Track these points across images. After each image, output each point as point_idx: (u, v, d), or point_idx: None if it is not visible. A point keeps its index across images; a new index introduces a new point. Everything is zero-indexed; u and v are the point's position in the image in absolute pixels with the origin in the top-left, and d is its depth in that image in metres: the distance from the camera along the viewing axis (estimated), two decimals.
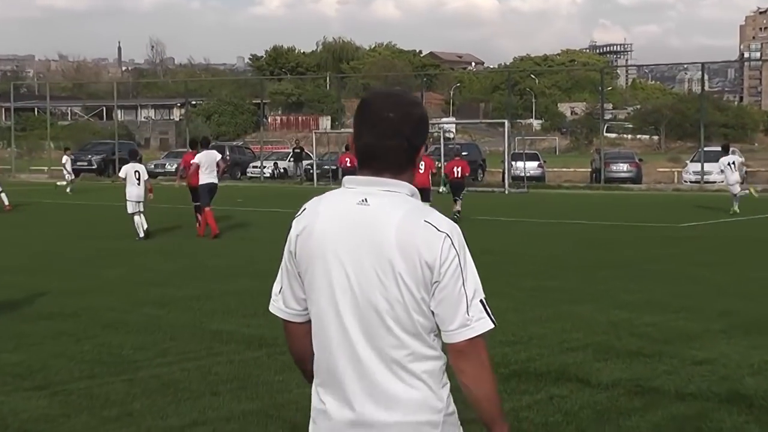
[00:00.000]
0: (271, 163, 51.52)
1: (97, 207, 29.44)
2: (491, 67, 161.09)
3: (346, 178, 2.84)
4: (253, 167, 51.13)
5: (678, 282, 13.18)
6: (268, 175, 50.10)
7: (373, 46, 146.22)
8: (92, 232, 20.65)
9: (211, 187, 20.02)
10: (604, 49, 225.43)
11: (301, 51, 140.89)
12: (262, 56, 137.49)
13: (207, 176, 19.96)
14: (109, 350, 8.80)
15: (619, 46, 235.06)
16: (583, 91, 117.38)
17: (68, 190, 37.00)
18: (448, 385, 2.77)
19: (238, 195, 34.76)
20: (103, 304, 11.38)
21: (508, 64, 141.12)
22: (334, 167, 44.98)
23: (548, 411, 6.68)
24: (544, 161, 47.96)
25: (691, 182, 41.79)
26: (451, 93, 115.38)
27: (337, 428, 2.75)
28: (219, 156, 20.46)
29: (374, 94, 2.90)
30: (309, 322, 2.89)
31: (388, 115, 2.77)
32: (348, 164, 33.36)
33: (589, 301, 11.34)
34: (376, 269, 2.69)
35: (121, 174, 19.86)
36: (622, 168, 44.04)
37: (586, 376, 7.65)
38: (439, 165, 33.80)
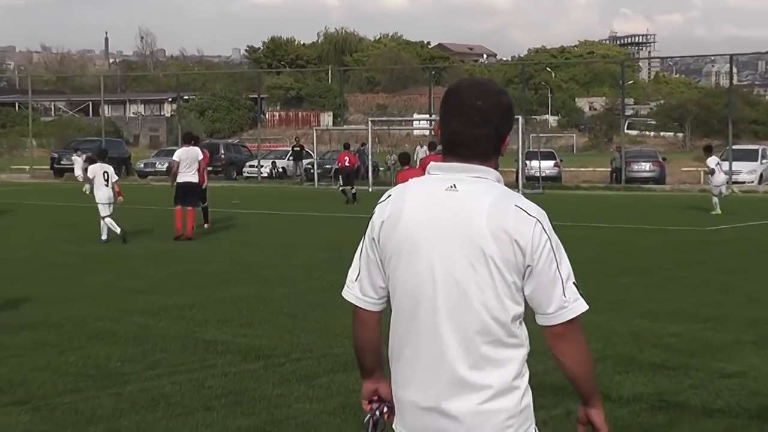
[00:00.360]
0: (269, 162, 51.58)
1: (82, 209, 29.38)
2: (504, 59, 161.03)
3: (431, 165, 3.05)
4: (250, 166, 51.19)
5: (705, 289, 13.16)
6: (265, 174, 50.16)
7: (377, 37, 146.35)
8: (77, 236, 20.66)
9: (186, 187, 20.11)
10: (625, 40, 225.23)
11: (301, 42, 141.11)
12: (259, 48, 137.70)
13: (184, 175, 20.07)
14: (95, 362, 8.80)
15: (641, 37, 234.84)
16: (602, 86, 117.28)
17: (84, 189, 36.80)
18: (527, 376, 3.03)
19: (234, 196, 34.77)
20: (89, 313, 11.38)
21: (522, 56, 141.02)
22: (337, 166, 45.06)
23: (566, 427, 6.66)
24: (561, 160, 47.95)
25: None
26: None
27: (416, 415, 2.98)
28: (200, 155, 20.42)
29: (461, 82, 3.09)
30: (381, 311, 3.13)
31: (476, 103, 2.98)
32: (347, 163, 33.41)
33: (608, 310, 11.32)
34: (467, 254, 2.89)
35: (90, 174, 19.94)
36: (644, 167, 44.02)
37: (605, 390, 7.63)
38: None
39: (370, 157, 43.10)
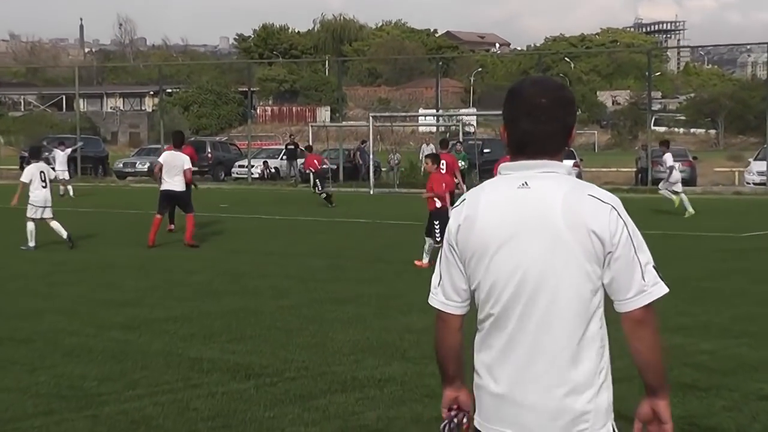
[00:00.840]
0: (261, 162, 51.57)
1: (56, 213, 29.39)
2: (518, 49, 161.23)
3: (502, 165, 3.44)
4: (240, 167, 51.18)
5: (741, 302, 13.14)
6: (256, 175, 50.15)
7: (379, 25, 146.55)
8: (49, 243, 20.65)
9: (168, 195, 20.31)
10: (652, 27, 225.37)
11: (296, 30, 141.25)
12: (249, 36, 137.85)
13: (167, 181, 20.22)
14: (68, 382, 8.80)
15: (669, 24, 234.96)
16: (626, 77, 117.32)
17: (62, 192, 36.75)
18: (606, 371, 3.34)
19: (222, 199, 34.77)
20: (62, 328, 11.38)
21: (538, 45, 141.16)
22: (334, 166, 45.06)
23: None
24: (581, 160, 47.86)
25: (754, 184, 41.69)
26: (472, 80, 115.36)
27: (502, 407, 3.31)
28: (187, 164, 20.39)
29: (522, 83, 3.45)
30: (464, 315, 3.50)
31: (540, 101, 3.33)
32: (318, 165, 33.64)
33: None
34: (545, 248, 3.22)
35: (24, 178, 19.94)
36: None
37: (630, 412, 7.60)
38: (464, 165, 33.81)
39: (371, 156, 43.10)
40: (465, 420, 3.54)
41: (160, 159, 20.68)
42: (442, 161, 18.51)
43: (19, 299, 13.57)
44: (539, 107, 3.31)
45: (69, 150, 39.09)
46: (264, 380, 8.77)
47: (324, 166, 35.28)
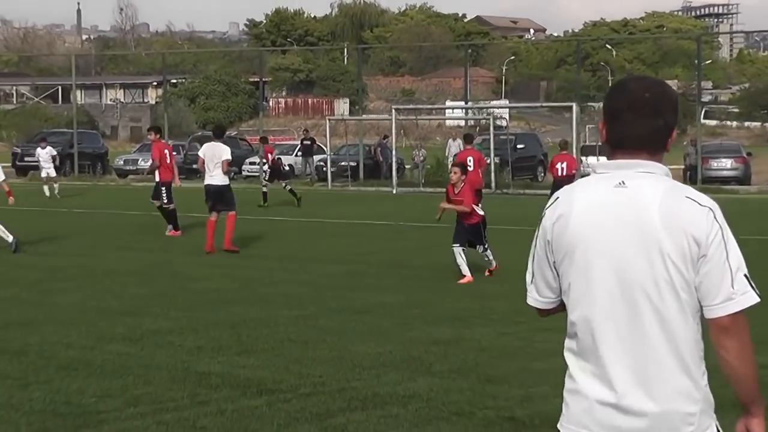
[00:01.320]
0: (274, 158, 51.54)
1: (49, 214, 29.58)
2: (555, 35, 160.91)
3: (597, 163, 3.72)
4: (251, 163, 51.07)
5: None
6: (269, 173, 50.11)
7: (403, 9, 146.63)
8: (44, 246, 20.73)
9: (210, 190, 20.28)
10: (702, 10, 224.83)
11: (311, 15, 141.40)
12: (261, 22, 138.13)
13: (208, 176, 20.28)
14: (65, 398, 8.82)
15: (721, 7, 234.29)
16: (674, 66, 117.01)
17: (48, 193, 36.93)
18: (707, 374, 3.51)
19: (282, 200, 34.74)
20: (58, 339, 11.41)
21: (576, 31, 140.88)
22: (353, 164, 45.04)
23: None
24: None
25: None
26: (504, 69, 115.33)
27: (595, 410, 3.47)
28: (226, 154, 20.34)
29: (625, 78, 3.70)
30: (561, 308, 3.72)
31: (644, 95, 3.53)
32: (272, 159, 33.77)
33: None
34: (641, 250, 3.41)
35: None
36: (725, 164, 43.82)
37: None
38: (487, 160, 33.77)
39: (394, 152, 43.04)
40: None
41: (200, 152, 20.75)
42: (469, 157, 18.46)
43: (10, 308, 13.59)
44: (642, 101, 3.51)
45: (50, 148, 39.15)
46: (277, 397, 8.77)
47: (277, 158, 35.60)
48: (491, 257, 16.42)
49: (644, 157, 3.54)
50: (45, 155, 37.79)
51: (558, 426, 3.64)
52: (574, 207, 3.53)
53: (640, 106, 3.51)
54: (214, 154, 20.29)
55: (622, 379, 3.44)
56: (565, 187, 3.69)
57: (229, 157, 20.42)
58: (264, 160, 35.81)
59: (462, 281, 15.79)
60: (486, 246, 16.33)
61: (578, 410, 3.54)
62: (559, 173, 25.79)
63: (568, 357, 3.61)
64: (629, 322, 3.43)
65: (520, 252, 19.57)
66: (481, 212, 16.49)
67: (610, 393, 3.45)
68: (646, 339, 3.42)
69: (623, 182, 3.48)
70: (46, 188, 36.37)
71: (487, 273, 16.55)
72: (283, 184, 33.19)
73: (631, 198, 3.45)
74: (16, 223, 20.04)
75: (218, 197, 20.33)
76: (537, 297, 3.74)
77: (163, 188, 23.07)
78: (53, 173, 37.45)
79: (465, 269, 15.91)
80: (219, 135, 21.07)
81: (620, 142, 3.57)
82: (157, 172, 23.20)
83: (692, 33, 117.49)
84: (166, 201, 22.98)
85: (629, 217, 3.43)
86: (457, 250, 15.99)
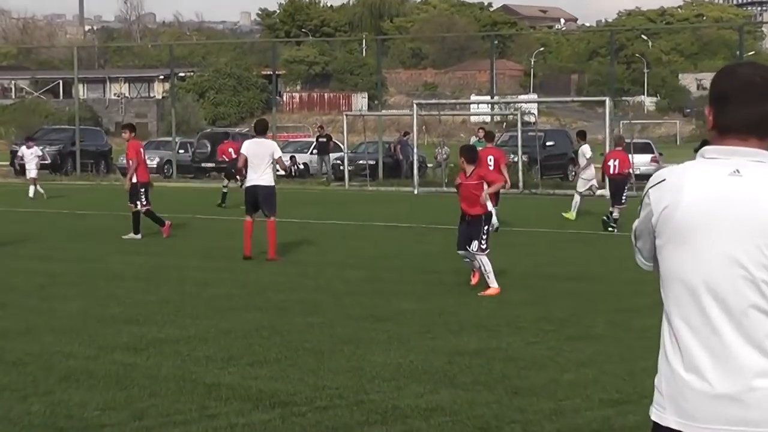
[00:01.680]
0: (287, 157, 51.60)
1: (50, 215, 29.63)
2: (587, 25, 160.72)
3: (706, 148, 3.72)
4: None
5: None
6: (282, 172, 50.20)
7: None
8: (44, 250, 20.78)
9: (254, 191, 19.68)
10: None
11: (328, 4, 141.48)
12: (274, 12, 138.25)
13: (253, 175, 19.61)
14: (66, 411, 8.84)
15: None
16: (714, 58, 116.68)
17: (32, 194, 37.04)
18: None
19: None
20: (59, 349, 11.42)
21: (610, 21, 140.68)
22: (372, 162, 45.01)
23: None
24: (660, 154, 47.75)
25: None
26: (532, 61, 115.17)
27: (701, 402, 3.57)
28: (278, 151, 20.03)
29: (733, 64, 3.82)
30: None
31: (755, 79, 3.65)
32: (233, 155, 33.74)
33: None
34: (755, 240, 3.52)
35: None
36: None
37: None
38: (514, 158, 33.67)
39: (415, 150, 43.00)
40: None
41: (243, 150, 19.93)
42: (490, 156, 18.30)
43: (9, 316, 13.61)
44: (753, 84, 3.62)
45: (36, 148, 39.31)
46: (291, 410, 8.77)
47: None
48: (486, 265, 15.31)
49: (754, 144, 3.64)
50: (30, 155, 38.10)
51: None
52: (683, 192, 3.61)
53: (751, 90, 3.62)
54: (262, 152, 19.59)
55: (724, 366, 3.54)
56: (672, 168, 3.76)
57: (281, 153, 20.18)
58: (223, 156, 36.24)
59: (486, 293, 15.16)
60: (484, 246, 15.33)
61: (681, 399, 3.62)
62: (611, 170, 25.91)
63: (669, 346, 3.70)
64: (736, 310, 3.53)
65: (548, 257, 19.54)
66: (490, 207, 15.95)
67: (709, 383, 3.55)
68: (752, 327, 3.53)
69: (738, 171, 3.58)
70: (31, 189, 36.57)
71: (472, 280, 15.92)
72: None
73: (748, 188, 3.54)
74: (16, 225, 20.06)
75: (265, 199, 19.69)
76: (643, 261, 3.90)
77: (142, 189, 22.85)
78: (34, 174, 37.61)
79: (490, 279, 15.24)
80: (262, 131, 20.15)
81: (729, 128, 3.67)
82: (134, 174, 22.84)
83: (734, 22, 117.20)
84: (145, 203, 22.80)
85: (744, 208, 3.53)
86: (463, 253, 15.77)
